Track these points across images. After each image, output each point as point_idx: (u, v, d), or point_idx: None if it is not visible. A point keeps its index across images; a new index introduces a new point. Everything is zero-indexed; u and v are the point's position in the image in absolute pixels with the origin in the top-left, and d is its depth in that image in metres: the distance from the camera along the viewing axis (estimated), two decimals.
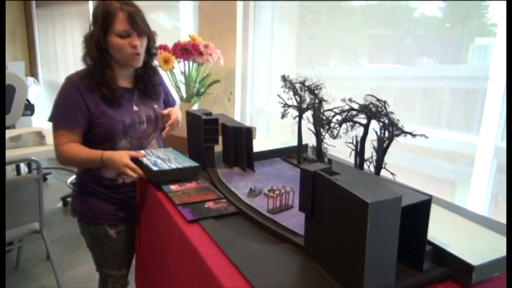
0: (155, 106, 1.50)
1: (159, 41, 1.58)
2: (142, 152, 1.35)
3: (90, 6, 3.95)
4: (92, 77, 1.35)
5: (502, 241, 0.80)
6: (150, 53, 1.44)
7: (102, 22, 1.30)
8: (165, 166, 1.23)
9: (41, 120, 5.09)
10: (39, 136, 2.57)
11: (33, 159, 2.05)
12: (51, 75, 4.96)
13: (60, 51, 4.67)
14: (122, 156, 1.28)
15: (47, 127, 5.13)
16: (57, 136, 1.37)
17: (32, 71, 5.18)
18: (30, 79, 4.88)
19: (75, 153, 1.35)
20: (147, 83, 1.47)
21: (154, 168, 1.20)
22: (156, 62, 1.54)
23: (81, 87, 1.35)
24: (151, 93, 1.49)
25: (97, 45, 1.33)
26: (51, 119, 1.37)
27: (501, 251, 0.75)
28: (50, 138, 2.60)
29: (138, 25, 1.32)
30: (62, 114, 1.35)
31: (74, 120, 1.34)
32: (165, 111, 1.49)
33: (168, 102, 1.64)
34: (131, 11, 1.31)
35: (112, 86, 1.37)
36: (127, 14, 1.30)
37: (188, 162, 1.28)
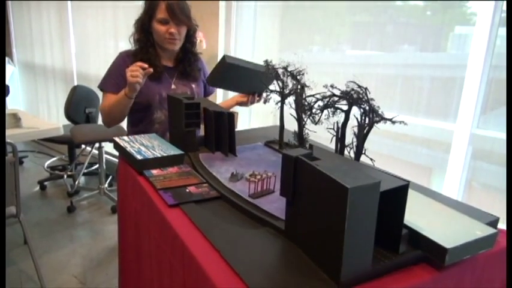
0: (193, 86, 1.70)
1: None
2: (149, 69, 1.41)
3: None
4: (137, 55, 1.58)
5: (474, 225, 0.83)
6: (190, 40, 1.66)
7: (148, 9, 1.56)
8: (149, 154, 1.22)
9: (16, 102, 4.94)
10: (15, 118, 2.50)
11: (8, 142, 1.99)
12: (26, 55, 4.80)
13: (36, 31, 4.50)
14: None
15: (23, 109, 4.97)
16: (103, 100, 1.61)
17: (6, 51, 4.99)
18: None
19: (109, 104, 1.56)
20: (187, 66, 1.68)
21: (139, 157, 1.19)
22: (198, 49, 1.74)
23: (127, 61, 1.57)
24: (190, 76, 1.69)
25: (142, 28, 1.58)
26: (100, 85, 1.62)
27: (473, 234, 0.78)
28: (25, 120, 2.53)
29: (176, 15, 1.54)
30: (108, 81, 1.60)
31: (116, 87, 1.55)
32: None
33: (207, 89, 1.82)
34: (172, 3, 1.53)
35: (154, 62, 1.56)
36: (167, 5, 1.53)
37: (172, 150, 1.27)
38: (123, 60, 1.60)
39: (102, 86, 1.62)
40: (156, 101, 1.60)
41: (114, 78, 1.59)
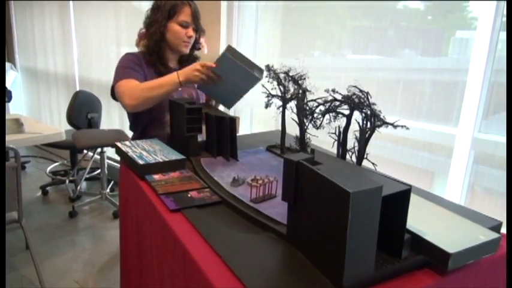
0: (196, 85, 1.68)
1: (140, 26, 1.67)
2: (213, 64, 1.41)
3: None
4: (152, 54, 1.59)
5: (477, 229, 0.83)
6: (195, 45, 1.69)
7: (169, 10, 1.55)
8: (151, 159, 1.22)
9: (19, 107, 4.96)
10: (17, 123, 2.51)
11: (10, 147, 1.99)
12: (29, 61, 4.82)
13: (39, 36, 4.53)
14: (193, 64, 1.44)
15: (25, 114, 4.98)
16: (124, 85, 1.49)
17: (9, 57, 5.02)
18: (8, 65, 4.73)
19: (148, 82, 1.48)
20: None
21: (140, 162, 1.19)
22: (197, 53, 1.76)
23: (140, 59, 1.59)
24: None
25: (159, 29, 1.56)
26: (115, 83, 1.52)
27: (476, 239, 0.78)
28: (28, 126, 2.54)
29: (198, 21, 1.61)
30: (125, 72, 1.52)
31: (135, 76, 1.52)
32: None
33: None
34: (196, 8, 1.60)
35: (166, 64, 1.62)
36: (193, 9, 1.58)
37: (174, 155, 1.28)
38: (136, 57, 1.58)
39: (118, 79, 1.51)
40: (167, 104, 1.55)
41: (129, 68, 1.53)
